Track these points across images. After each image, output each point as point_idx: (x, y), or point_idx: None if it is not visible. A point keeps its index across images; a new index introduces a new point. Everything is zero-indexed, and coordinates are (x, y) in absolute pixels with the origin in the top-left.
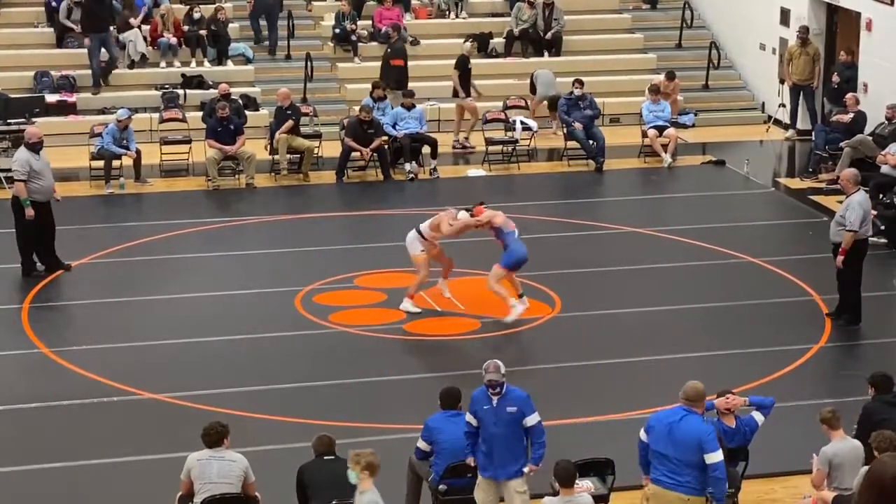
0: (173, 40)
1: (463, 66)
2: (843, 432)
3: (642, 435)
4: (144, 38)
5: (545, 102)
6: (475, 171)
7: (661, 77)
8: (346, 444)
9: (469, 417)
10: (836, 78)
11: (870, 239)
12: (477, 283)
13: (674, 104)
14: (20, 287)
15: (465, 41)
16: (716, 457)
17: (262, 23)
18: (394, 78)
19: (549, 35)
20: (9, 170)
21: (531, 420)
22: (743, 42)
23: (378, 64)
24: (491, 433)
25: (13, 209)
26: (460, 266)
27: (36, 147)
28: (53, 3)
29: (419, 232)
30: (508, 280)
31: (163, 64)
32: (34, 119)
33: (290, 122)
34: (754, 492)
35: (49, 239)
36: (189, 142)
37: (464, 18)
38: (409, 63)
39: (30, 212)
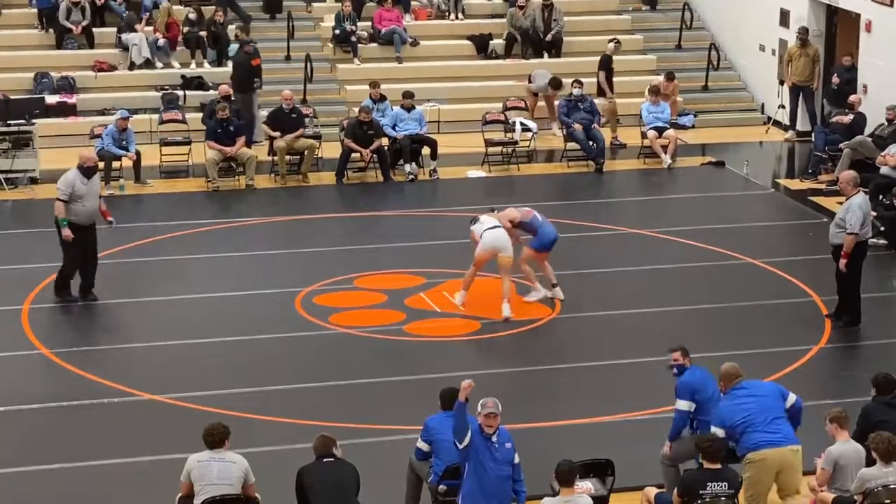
0: (162, 41)
1: (607, 65)
2: (848, 434)
3: (720, 432)
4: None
5: (547, 92)
6: (475, 173)
7: (661, 78)
8: (347, 444)
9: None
10: (836, 79)
11: (870, 240)
12: (477, 283)
13: (674, 105)
14: (20, 288)
15: (609, 41)
16: None
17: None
18: (255, 77)
19: (548, 36)
20: (9, 171)
21: (517, 458)
22: (743, 43)
23: (378, 65)
24: (490, 471)
25: (57, 229)
26: (460, 267)
27: (88, 172)
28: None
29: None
30: (542, 266)
31: (159, 65)
32: (34, 120)
33: (301, 130)
34: None
35: (90, 266)
36: (189, 143)
37: (461, 20)
38: (409, 64)
39: (66, 232)
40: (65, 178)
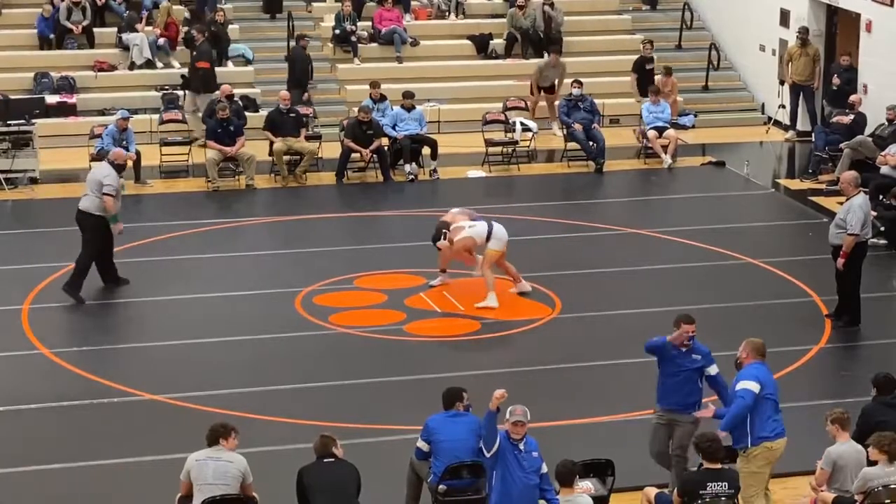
0: (162, 41)
1: (641, 68)
2: (849, 435)
3: (753, 386)
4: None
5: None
6: (475, 173)
7: (659, 75)
8: (347, 444)
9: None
10: (836, 80)
11: (870, 240)
12: (477, 283)
13: (674, 105)
14: (20, 288)
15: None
16: None
17: None
18: (200, 80)
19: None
20: (8, 170)
21: (545, 467)
22: (743, 43)
23: (378, 65)
24: (518, 480)
25: (88, 225)
26: (460, 267)
27: (120, 169)
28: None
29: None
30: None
31: (160, 65)
32: (34, 120)
33: (304, 130)
34: None
35: (109, 255)
36: (189, 143)
37: (461, 20)
38: (409, 64)
39: (120, 226)
40: (110, 174)
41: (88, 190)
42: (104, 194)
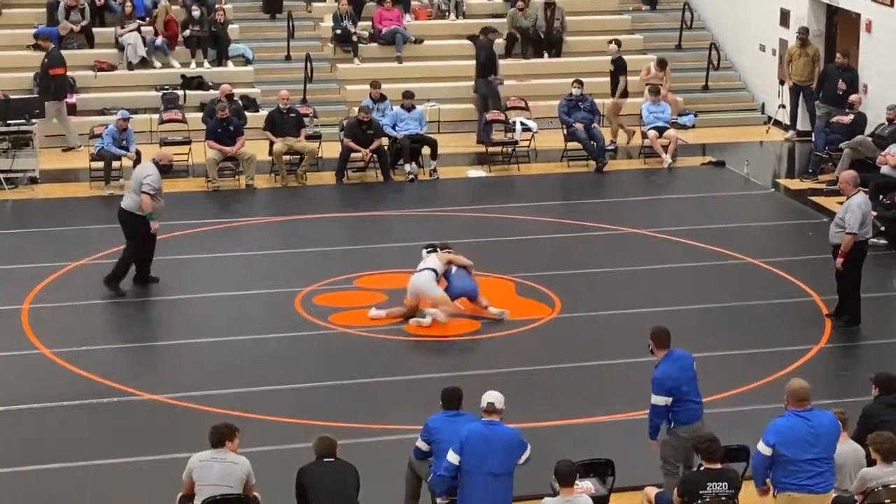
0: (159, 41)
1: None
2: (847, 435)
3: (763, 449)
4: (143, 40)
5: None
6: (475, 172)
7: (652, 65)
8: (347, 444)
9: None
10: (842, 85)
11: (870, 240)
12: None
13: (674, 104)
14: (20, 288)
15: (609, 42)
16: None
17: None
18: (55, 87)
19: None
20: (8, 170)
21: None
22: (743, 43)
23: (378, 65)
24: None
25: (129, 222)
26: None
27: (165, 169)
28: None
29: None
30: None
31: (158, 64)
32: (34, 120)
33: (303, 133)
34: (754, 492)
35: (147, 255)
36: (189, 143)
37: (461, 20)
38: (410, 64)
39: (155, 225)
40: (152, 174)
41: (130, 188)
42: (143, 192)
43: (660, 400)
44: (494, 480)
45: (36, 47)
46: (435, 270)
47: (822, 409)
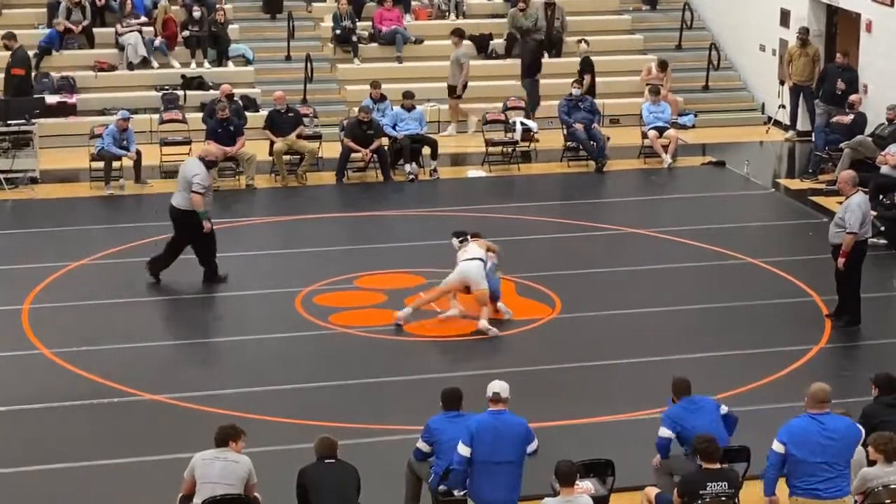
0: (158, 41)
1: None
2: None
3: (776, 446)
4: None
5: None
6: (475, 172)
7: (653, 66)
8: (347, 444)
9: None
10: (841, 85)
11: (869, 240)
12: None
13: (674, 104)
14: (20, 288)
15: (578, 41)
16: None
17: None
18: (14, 87)
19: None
20: (8, 170)
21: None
22: (743, 43)
23: (378, 65)
24: None
25: (181, 220)
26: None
27: (210, 165)
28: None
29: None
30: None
31: (155, 64)
32: (34, 120)
33: (301, 128)
34: (754, 493)
35: (209, 251)
36: (189, 143)
37: (461, 20)
38: (410, 64)
39: (207, 225)
40: (201, 172)
41: (179, 187)
42: (193, 192)
43: (663, 432)
44: (504, 469)
45: (6, 47)
46: (483, 260)
47: (839, 415)
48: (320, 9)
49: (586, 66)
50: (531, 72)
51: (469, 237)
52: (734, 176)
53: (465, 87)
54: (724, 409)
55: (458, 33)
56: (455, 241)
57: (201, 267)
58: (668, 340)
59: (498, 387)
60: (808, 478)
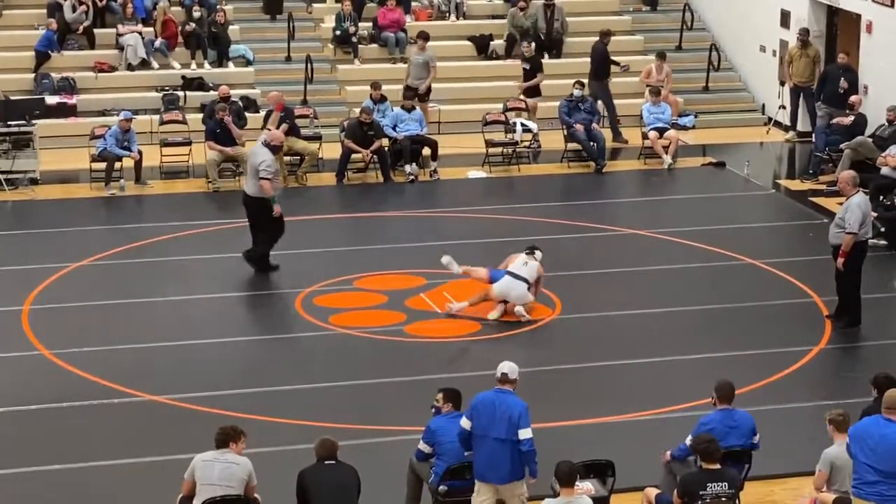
0: (158, 42)
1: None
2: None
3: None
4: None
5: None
6: (476, 173)
7: (654, 66)
8: (347, 445)
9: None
10: (844, 84)
11: (870, 241)
12: (477, 285)
13: (674, 105)
14: (20, 288)
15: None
16: None
17: None
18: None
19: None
20: (8, 171)
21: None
22: (743, 44)
23: (379, 66)
24: None
25: (254, 206)
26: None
27: (276, 149)
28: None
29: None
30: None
31: (156, 65)
32: (34, 121)
33: (284, 126)
34: (754, 493)
35: (274, 239)
36: (189, 143)
37: (461, 20)
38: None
39: (278, 209)
40: (266, 159)
41: (248, 175)
42: (261, 178)
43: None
44: (501, 445)
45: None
46: (529, 284)
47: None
48: (321, 10)
49: (535, 67)
50: (600, 75)
51: (535, 254)
52: (734, 177)
53: (429, 89)
54: (757, 437)
55: (424, 36)
56: (523, 255)
57: (255, 247)
58: (668, 341)
59: (507, 367)
60: (856, 477)
